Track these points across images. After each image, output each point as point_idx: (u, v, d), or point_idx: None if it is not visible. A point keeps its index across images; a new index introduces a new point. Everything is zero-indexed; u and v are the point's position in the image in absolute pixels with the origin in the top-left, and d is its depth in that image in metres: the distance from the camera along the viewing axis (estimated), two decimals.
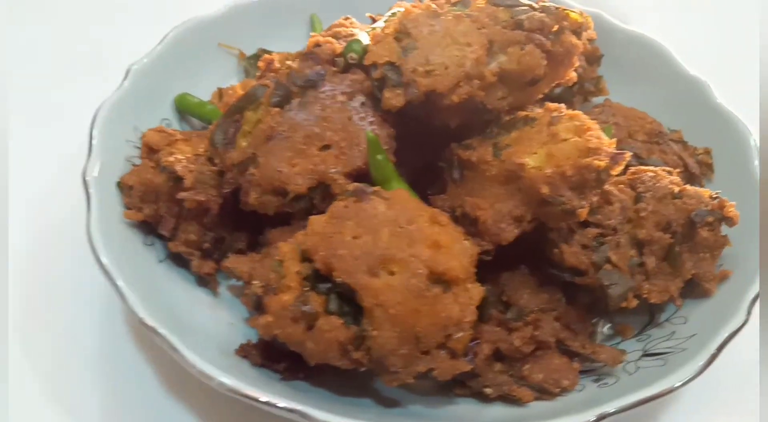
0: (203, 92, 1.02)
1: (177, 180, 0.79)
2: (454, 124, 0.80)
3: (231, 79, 1.09)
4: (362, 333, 0.65)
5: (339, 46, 0.85)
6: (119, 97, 0.90)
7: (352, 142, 0.78)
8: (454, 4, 0.81)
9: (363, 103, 0.80)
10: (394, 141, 0.81)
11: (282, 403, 0.64)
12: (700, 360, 0.67)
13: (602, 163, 0.69)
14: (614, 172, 0.72)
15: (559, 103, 1.01)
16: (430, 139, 0.84)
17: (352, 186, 0.72)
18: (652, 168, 0.82)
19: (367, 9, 1.06)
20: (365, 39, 0.85)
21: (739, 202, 0.85)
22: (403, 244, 0.66)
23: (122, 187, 0.83)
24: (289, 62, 0.85)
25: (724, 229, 0.81)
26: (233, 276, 0.76)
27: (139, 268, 0.78)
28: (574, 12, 0.81)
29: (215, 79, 1.06)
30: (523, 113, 0.78)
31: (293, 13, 1.14)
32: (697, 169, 0.93)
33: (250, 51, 1.09)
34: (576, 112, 0.76)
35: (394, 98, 0.78)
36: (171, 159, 0.80)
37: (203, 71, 1.06)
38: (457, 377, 0.72)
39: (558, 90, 1.03)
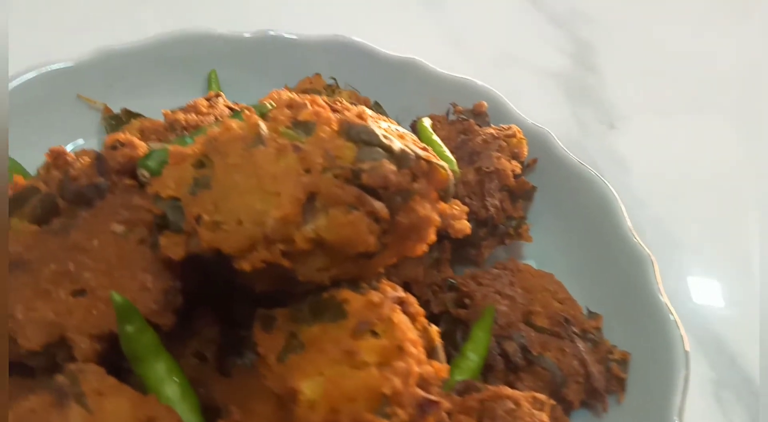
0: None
1: None
2: (258, 289, 0.60)
3: (91, 138, 0.91)
4: None
5: (145, 150, 0.65)
6: None
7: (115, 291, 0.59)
8: (295, 125, 0.60)
9: (143, 240, 0.61)
10: (178, 296, 0.61)
11: None
12: None
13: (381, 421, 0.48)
14: None
15: (464, 245, 0.82)
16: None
17: (57, 380, 0.52)
18: (516, 395, 0.60)
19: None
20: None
21: None
22: None
23: None
24: (84, 159, 0.65)
25: None
26: None
27: None
28: (442, 167, 0.59)
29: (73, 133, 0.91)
30: (341, 296, 0.57)
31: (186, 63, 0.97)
32: (602, 383, 0.69)
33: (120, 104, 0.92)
34: (398, 317, 0.53)
35: (171, 247, 0.57)
36: None
37: (58, 124, 0.89)
38: None
39: None
